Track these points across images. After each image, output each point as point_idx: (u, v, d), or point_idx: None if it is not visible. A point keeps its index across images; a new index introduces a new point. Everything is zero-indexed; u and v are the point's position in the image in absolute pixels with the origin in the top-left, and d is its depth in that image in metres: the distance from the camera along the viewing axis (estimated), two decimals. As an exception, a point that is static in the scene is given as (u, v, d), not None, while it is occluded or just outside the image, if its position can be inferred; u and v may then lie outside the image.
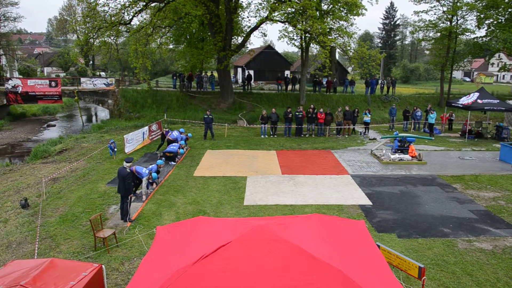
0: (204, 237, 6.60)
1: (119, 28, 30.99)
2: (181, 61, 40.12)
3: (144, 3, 29.58)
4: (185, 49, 36.89)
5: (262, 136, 25.42)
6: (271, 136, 25.55)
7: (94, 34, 29.53)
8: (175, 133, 20.54)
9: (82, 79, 35.95)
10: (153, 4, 30.98)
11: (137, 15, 30.51)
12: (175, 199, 14.12)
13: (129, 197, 12.12)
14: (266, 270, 5.54)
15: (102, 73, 70.71)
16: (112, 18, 28.83)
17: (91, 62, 73.05)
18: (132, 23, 31.29)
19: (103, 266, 7.57)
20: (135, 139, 21.52)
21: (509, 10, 36.44)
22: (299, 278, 5.42)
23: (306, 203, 13.78)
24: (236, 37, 35.87)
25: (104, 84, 34.70)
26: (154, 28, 30.37)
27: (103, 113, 45.38)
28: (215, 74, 39.27)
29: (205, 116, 24.04)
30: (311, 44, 33.22)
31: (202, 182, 15.98)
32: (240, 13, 33.99)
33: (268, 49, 58.74)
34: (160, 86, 40.85)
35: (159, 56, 46.39)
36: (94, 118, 44.13)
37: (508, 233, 11.63)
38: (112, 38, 33.29)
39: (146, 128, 23.42)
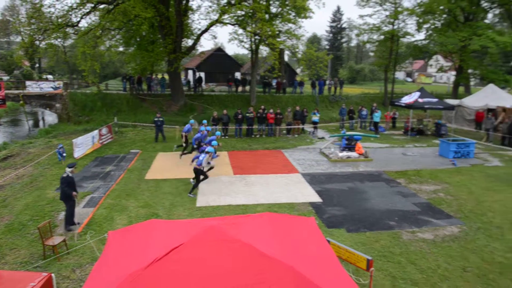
0: (157, 240, 6.57)
1: (66, 30, 30.02)
2: (131, 64, 39.39)
3: (92, 5, 28.84)
4: (135, 52, 36.25)
5: (214, 138, 25.47)
6: (223, 137, 25.64)
7: (39, 36, 28.46)
8: (186, 128, 20.54)
9: (28, 83, 34.41)
10: (101, 6, 30.24)
11: (85, 17, 29.68)
12: (127, 203, 13.97)
13: (72, 202, 11.75)
14: (218, 270, 5.61)
15: (49, 76, 67.81)
16: (59, 20, 27.91)
17: (37, 64, 70.08)
18: (80, 25, 30.44)
19: (53, 275, 7.41)
20: (84, 144, 21.01)
21: (444, 15, 38.64)
22: (252, 277, 5.51)
23: (258, 202, 14.02)
24: (187, 40, 35.72)
25: (52, 87, 33.42)
26: (103, 30, 29.71)
27: (50, 118, 43.64)
28: (166, 76, 38.87)
29: (156, 119, 23.82)
30: (261, 46, 33.62)
31: (154, 185, 15.88)
32: (190, 16, 33.91)
33: (219, 51, 58.77)
34: (110, 89, 39.97)
35: (109, 58, 45.31)
36: (41, 123, 42.42)
37: (447, 223, 12.41)
38: (59, 40, 32.22)
39: (96, 131, 22.89)
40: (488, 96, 29.87)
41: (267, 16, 29.04)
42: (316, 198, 14.52)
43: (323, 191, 15.32)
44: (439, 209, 13.69)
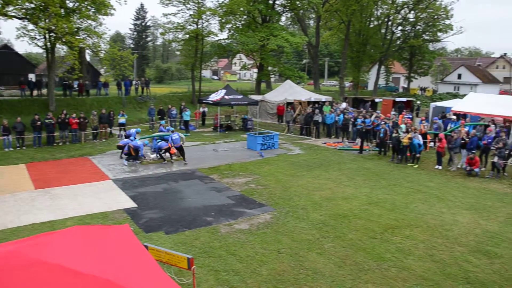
0: None
1: None
2: None
3: None
4: None
5: (7, 150, 22.24)
6: (18, 148, 22.62)
7: None
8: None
9: None
10: None
11: None
12: None
13: None
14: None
15: None
16: None
17: None
18: None
19: None
20: None
21: (244, 17, 41.52)
22: (65, 300, 4.83)
23: (67, 216, 12.66)
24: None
25: None
26: None
27: None
28: None
29: None
30: (58, 45, 30.66)
31: None
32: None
33: (6, 49, 51.94)
34: None
35: None
36: None
37: (259, 211, 13.16)
38: None
39: None
40: (286, 91, 33.19)
41: (62, 11, 26.56)
42: (131, 204, 13.85)
43: (138, 196, 14.73)
44: (252, 199, 14.44)
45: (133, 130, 21.77)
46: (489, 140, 19.21)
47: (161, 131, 22.02)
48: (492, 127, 21.91)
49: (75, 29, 27.00)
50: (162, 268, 6.37)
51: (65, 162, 19.83)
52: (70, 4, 28.37)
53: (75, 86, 35.98)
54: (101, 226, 7.88)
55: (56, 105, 30.09)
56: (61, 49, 31.76)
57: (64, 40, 26.25)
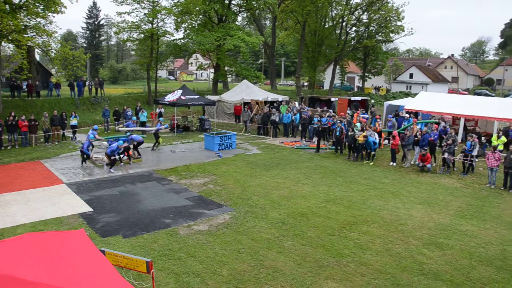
0: None
1: None
2: None
3: None
4: None
5: (-50, 154, 21.15)
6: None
7: None
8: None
9: None
10: None
11: None
12: None
13: None
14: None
15: None
16: None
17: None
18: None
19: None
20: None
21: (200, 16, 41.29)
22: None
23: (17, 223, 12.10)
24: None
25: None
26: None
27: None
28: None
29: None
30: (4, 43, 29.27)
31: None
32: None
33: None
34: None
35: None
36: None
37: (218, 212, 13.10)
38: None
39: None
40: (243, 91, 33.28)
41: (7, 7, 25.30)
42: (86, 208, 13.43)
43: (93, 199, 14.31)
44: (210, 200, 14.34)
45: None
46: (435, 137, 20.00)
47: (158, 127, 23.61)
48: (442, 124, 22.80)
49: (23, 27, 25.82)
50: (120, 273, 6.25)
51: (14, 166, 18.99)
52: (17, 0, 27.11)
53: (24, 86, 34.49)
54: (55, 232, 7.59)
55: (3, 107, 28.72)
56: (8, 48, 30.29)
57: (10, 38, 25.07)
